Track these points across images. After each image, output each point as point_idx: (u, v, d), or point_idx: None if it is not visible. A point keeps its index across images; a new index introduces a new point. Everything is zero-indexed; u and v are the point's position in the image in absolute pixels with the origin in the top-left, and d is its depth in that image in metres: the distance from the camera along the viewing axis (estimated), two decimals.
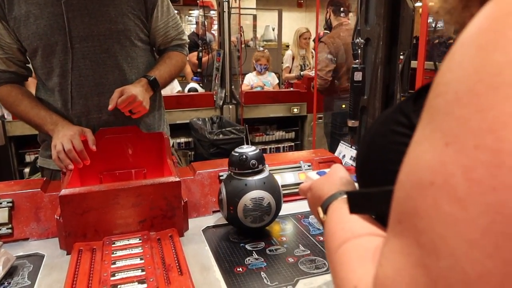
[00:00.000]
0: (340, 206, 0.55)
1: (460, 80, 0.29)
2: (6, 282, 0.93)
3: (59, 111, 1.35)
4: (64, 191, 1.02)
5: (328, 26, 3.51)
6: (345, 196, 0.55)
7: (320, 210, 0.60)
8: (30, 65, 1.41)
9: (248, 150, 1.14)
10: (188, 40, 1.59)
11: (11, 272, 0.97)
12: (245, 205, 1.07)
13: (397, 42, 1.49)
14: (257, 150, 1.15)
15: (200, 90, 4.00)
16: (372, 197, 0.46)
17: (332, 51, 3.20)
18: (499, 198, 0.25)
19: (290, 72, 4.85)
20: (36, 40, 1.28)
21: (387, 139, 0.46)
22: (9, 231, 1.12)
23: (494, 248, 0.25)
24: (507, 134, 0.25)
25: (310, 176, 0.77)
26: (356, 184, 0.63)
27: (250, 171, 1.11)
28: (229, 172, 1.15)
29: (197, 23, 5.29)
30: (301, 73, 4.48)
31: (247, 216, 1.08)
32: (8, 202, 1.14)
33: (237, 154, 1.13)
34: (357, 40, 1.54)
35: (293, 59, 4.88)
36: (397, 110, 0.47)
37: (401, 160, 0.40)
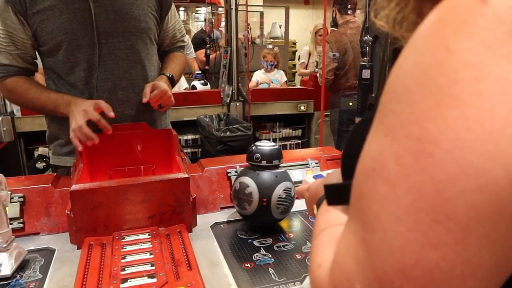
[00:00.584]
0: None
1: (399, 79, 0.33)
2: (18, 275, 0.95)
3: None
4: (74, 187, 1.04)
5: (335, 24, 3.51)
6: None
7: (314, 207, 0.65)
8: (37, 61, 1.41)
9: (270, 144, 1.18)
10: (187, 40, 1.68)
11: (23, 266, 0.99)
12: (279, 195, 1.11)
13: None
14: (278, 146, 1.20)
15: (200, 87, 3.97)
16: (346, 189, 0.48)
17: (334, 50, 3.20)
18: (419, 179, 0.29)
19: (306, 68, 4.87)
20: (61, 35, 1.29)
21: (363, 137, 0.49)
22: (21, 225, 1.13)
23: (414, 222, 0.29)
24: (428, 124, 0.29)
25: (307, 179, 0.82)
26: None
27: (276, 163, 1.16)
28: (251, 165, 1.17)
29: (205, 20, 5.29)
30: (316, 69, 4.50)
31: (279, 207, 1.12)
32: (19, 197, 1.16)
33: (265, 147, 1.16)
34: (365, 37, 1.53)
35: (309, 55, 4.91)
36: (375, 110, 0.50)
37: None
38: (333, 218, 0.52)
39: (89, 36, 1.31)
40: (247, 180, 1.13)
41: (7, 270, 0.93)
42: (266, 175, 1.13)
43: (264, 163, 1.14)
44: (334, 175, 0.69)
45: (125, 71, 1.38)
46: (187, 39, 1.67)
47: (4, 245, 0.94)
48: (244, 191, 1.13)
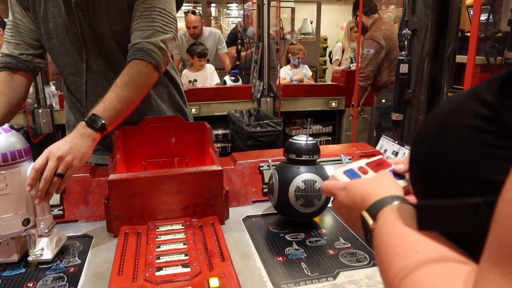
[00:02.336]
0: (395, 215, 0.48)
1: None
2: (59, 260, 0.98)
3: (75, 106, 1.41)
4: (112, 176, 1.07)
5: (361, 29, 3.45)
6: (397, 202, 0.50)
7: (366, 214, 0.52)
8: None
9: (308, 139, 1.16)
10: (156, 40, 1.22)
11: (63, 251, 1.02)
12: (298, 186, 1.09)
13: (445, 34, 1.43)
14: (314, 141, 1.18)
15: (230, 83, 3.96)
16: (450, 211, 0.38)
17: (383, 44, 3.19)
18: None
19: (339, 65, 4.80)
20: (53, 38, 1.29)
21: (463, 136, 0.38)
22: (61, 212, 1.18)
23: None
24: None
25: (337, 175, 0.69)
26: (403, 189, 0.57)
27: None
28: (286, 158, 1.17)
29: (243, 16, 5.33)
30: (350, 65, 4.44)
31: (298, 198, 1.10)
32: None
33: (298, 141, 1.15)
34: (404, 31, 1.49)
35: (343, 51, 4.83)
36: (473, 98, 0.39)
37: (485, 164, 0.35)
38: (419, 245, 0.41)
39: (77, 41, 1.27)
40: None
41: (48, 255, 0.97)
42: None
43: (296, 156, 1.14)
44: (385, 179, 0.59)
45: (114, 76, 1.24)
46: (167, 39, 1.25)
47: (46, 231, 0.98)
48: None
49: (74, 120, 1.47)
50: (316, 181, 1.10)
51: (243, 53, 4.47)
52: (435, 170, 0.42)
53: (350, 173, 0.69)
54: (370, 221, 0.51)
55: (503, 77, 0.37)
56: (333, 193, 0.67)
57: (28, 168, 0.95)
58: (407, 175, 0.63)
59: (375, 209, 0.51)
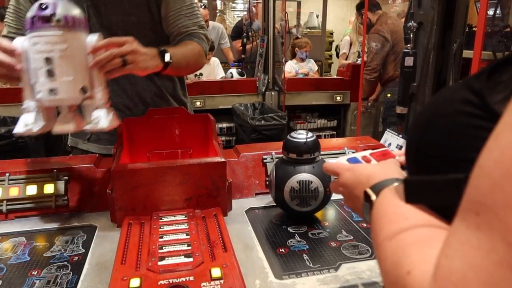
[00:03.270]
0: (393, 192, 0.52)
1: None
2: (63, 249, 0.99)
3: None
4: (116, 167, 1.07)
5: (367, 25, 3.45)
6: (398, 184, 0.53)
7: (370, 191, 0.57)
8: None
9: (308, 135, 1.14)
10: (205, 33, 1.37)
11: (67, 240, 1.03)
12: (292, 187, 1.08)
13: (451, 26, 1.42)
14: (314, 137, 1.16)
15: (236, 76, 3.97)
16: (434, 185, 0.42)
17: (388, 38, 3.18)
18: None
19: (346, 59, 4.77)
20: None
21: (451, 120, 0.41)
22: (65, 202, 1.19)
23: None
24: None
25: (341, 162, 0.74)
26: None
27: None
28: (283, 156, 1.15)
29: (248, 10, 5.33)
30: (358, 59, 4.42)
31: (293, 198, 1.09)
32: (64, 176, 1.21)
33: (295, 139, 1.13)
34: (410, 23, 1.48)
35: (350, 45, 4.80)
36: (464, 87, 0.42)
37: (469, 144, 0.38)
38: (409, 212, 0.46)
39: None
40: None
41: (104, 123, 0.97)
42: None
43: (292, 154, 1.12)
44: (392, 165, 0.63)
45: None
46: (205, 31, 1.40)
47: (103, 101, 0.98)
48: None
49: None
50: (312, 182, 1.08)
51: (248, 47, 4.46)
52: (426, 152, 0.46)
53: (353, 161, 0.71)
54: (373, 196, 0.55)
55: (490, 67, 0.40)
56: (337, 172, 0.70)
57: (89, 39, 0.95)
58: None
59: (378, 187, 0.56)
